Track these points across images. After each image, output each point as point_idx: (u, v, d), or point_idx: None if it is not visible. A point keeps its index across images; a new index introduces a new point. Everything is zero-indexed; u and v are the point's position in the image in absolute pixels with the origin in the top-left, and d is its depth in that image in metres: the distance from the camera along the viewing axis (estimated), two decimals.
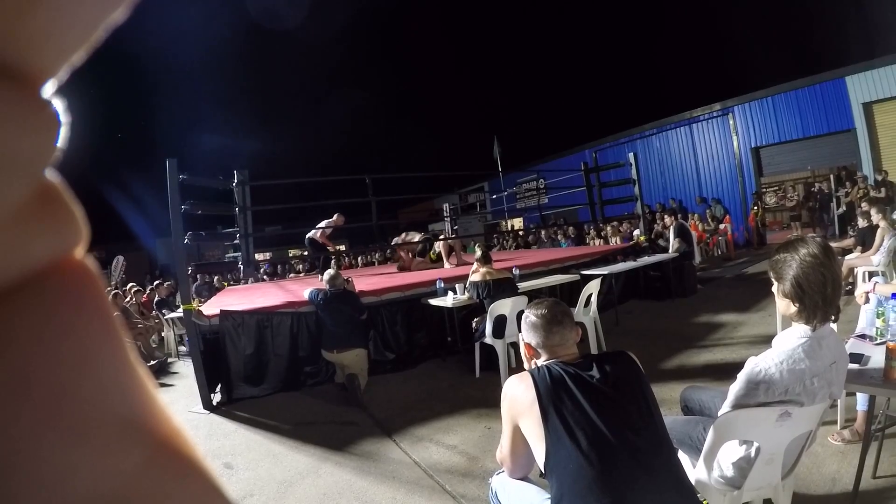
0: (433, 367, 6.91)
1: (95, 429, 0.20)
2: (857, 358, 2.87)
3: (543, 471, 1.86)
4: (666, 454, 1.86)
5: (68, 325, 0.21)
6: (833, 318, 2.15)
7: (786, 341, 2.15)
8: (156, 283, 13.02)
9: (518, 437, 1.99)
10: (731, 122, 18.48)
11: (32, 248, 0.20)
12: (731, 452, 2.24)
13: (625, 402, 1.88)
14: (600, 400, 1.85)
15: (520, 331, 5.67)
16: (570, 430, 1.79)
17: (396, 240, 10.92)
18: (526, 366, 2.22)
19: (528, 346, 2.19)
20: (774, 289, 2.23)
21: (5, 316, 0.19)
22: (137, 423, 0.22)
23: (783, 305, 2.20)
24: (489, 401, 5.15)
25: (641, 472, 1.75)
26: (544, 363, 2.05)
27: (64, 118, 0.20)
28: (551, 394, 1.87)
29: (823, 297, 2.08)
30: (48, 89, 0.20)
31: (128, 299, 11.52)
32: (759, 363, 2.10)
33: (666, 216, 12.53)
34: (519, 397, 1.94)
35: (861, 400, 3.48)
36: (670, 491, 1.79)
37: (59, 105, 0.20)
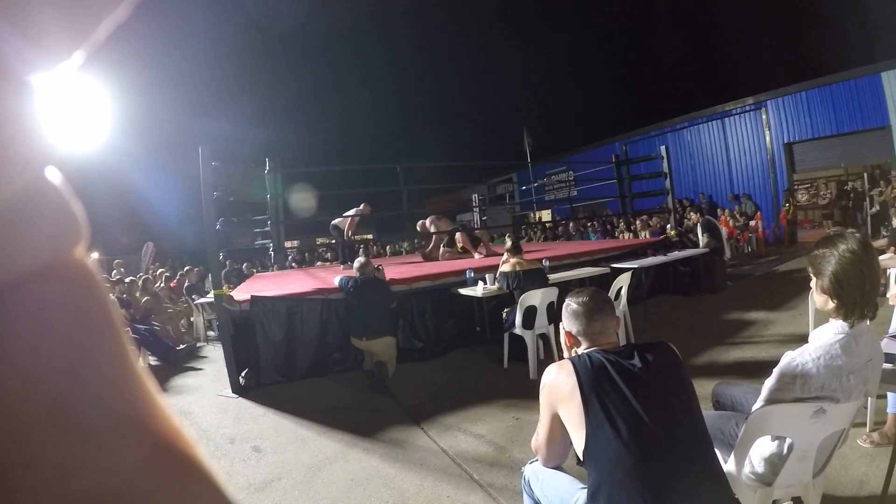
0: (461, 357, 6.92)
1: (95, 428, 0.21)
2: (890, 358, 2.84)
3: (581, 458, 1.84)
4: (704, 446, 1.86)
5: (68, 325, 0.21)
6: (870, 315, 2.13)
7: (823, 337, 2.13)
8: (186, 268, 13.10)
9: (556, 426, 1.97)
10: (763, 116, 18.16)
11: (32, 247, 0.21)
12: (763, 448, 2.22)
13: (666, 392, 1.87)
14: (641, 389, 1.83)
15: (550, 322, 5.63)
16: (611, 418, 1.77)
17: (426, 224, 10.82)
18: (566, 355, 2.18)
19: (568, 334, 2.15)
20: (813, 284, 2.22)
21: (5, 315, 0.20)
22: (137, 422, 0.23)
23: (821, 301, 2.18)
24: (517, 391, 5.16)
25: (680, 462, 1.75)
26: (585, 351, 2.02)
27: (64, 117, 0.21)
28: (592, 381, 1.85)
29: (862, 293, 2.06)
30: (48, 86, 0.20)
31: (158, 284, 11.62)
32: (796, 358, 2.09)
33: (692, 213, 12.38)
34: (559, 385, 1.92)
35: (892, 402, 3.44)
36: (707, 482, 1.78)
37: (59, 104, 0.21)
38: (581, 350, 2.08)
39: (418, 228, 10.90)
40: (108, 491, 0.21)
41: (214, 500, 0.25)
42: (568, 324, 2.13)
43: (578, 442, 1.85)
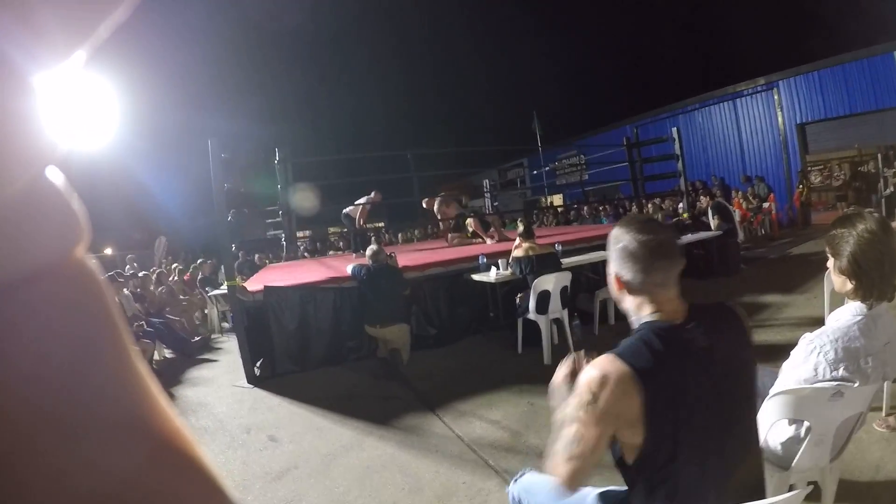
0: (475, 343, 6.95)
1: (96, 428, 0.21)
2: None
3: (628, 465, 1.54)
4: (751, 456, 1.69)
5: (68, 324, 0.21)
6: (889, 297, 2.11)
7: (841, 319, 2.12)
8: (199, 261, 13.20)
9: (605, 440, 1.48)
10: (775, 97, 17.97)
11: (33, 247, 0.20)
12: (780, 432, 2.21)
13: (732, 386, 1.58)
14: (711, 386, 1.52)
15: (563, 307, 5.55)
16: (677, 429, 1.47)
17: (434, 206, 10.79)
18: (619, 299, 1.72)
19: (618, 279, 1.64)
20: (830, 264, 2.20)
21: (6, 315, 0.20)
22: (138, 422, 0.22)
23: (839, 282, 2.16)
24: (532, 377, 5.15)
25: (724, 477, 1.57)
26: (642, 326, 1.59)
27: (69, 116, 0.20)
28: (658, 386, 1.45)
29: (881, 274, 2.04)
30: (49, 85, 0.20)
31: (172, 277, 11.70)
32: (814, 340, 2.07)
33: (702, 196, 12.32)
34: (616, 397, 1.43)
35: None
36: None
37: (62, 103, 0.20)
38: (632, 304, 1.65)
39: (424, 205, 10.87)
40: (109, 490, 0.20)
41: (214, 499, 0.25)
42: (620, 267, 1.63)
43: (630, 449, 1.51)
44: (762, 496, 1.74)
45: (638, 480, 1.53)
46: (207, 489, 0.25)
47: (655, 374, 1.44)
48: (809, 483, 2.29)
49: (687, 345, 1.53)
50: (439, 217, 10.80)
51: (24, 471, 0.19)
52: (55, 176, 0.21)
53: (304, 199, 11.18)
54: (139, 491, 0.21)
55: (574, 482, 1.48)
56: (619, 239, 1.62)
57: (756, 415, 1.69)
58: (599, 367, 1.47)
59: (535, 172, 26.33)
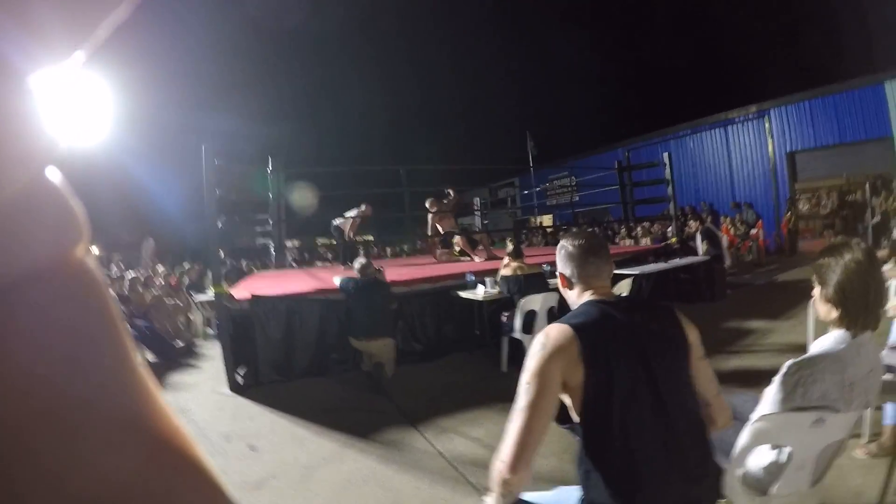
0: (460, 360, 6.93)
1: (95, 427, 0.21)
2: (889, 369, 2.84)
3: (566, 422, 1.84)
4: (695, 416, 1.88)
5: (68, 323, 0.21)
6: (873, 326, 2.12)
7: (824, 346, 2.13)
8: (187, 266, 13.15)
9: (551, 404, 1.76)
10: (766, 124, 18.17)
11: (33, 246, 0.20)
12: (761, 457, 2.22)
13: (658, 352, 1.83)
14: (634, 344, 1.80)
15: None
16: (611, 384, 1.73)
17: (430, 215, 10.77)
18: (567, 298, 2.13)
19: (562, 276, 2.09)
20: (816, 293, 2.21)
21: (5, 314, 0.20)
22: (138, 422, 0.22)
23: (824, 311, 2.17)
24: (515, 396, 5.15)
25: (670, 438, 1.75)
26: (580, 301, 1.97)
27: (67, 115, 0.20)
28: (595, 343, 1.75)
29: (866, 304, 2.06)
30: (48, 86, 0.20)
31: (158, 281, 11.66)
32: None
33: (691, 221, 12.36)
34: (565, 346, 1.74)
35: (890, 414, 3.45)
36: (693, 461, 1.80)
37: (61, 102, 0.20)
38: (574, 295, 2.05)
39: (427, 204, 10.80)
40: (109, 488, 0.20)
41: (213, 499, 0.25)
42: (562, 266, 2.07)
43: (576, 396, 1.78)
44: None
45: (587, 436, 1.78)
46: (206, 489, 0.25)
47: (587, 328, 1.78)
48: None
49: (613, 310, 1.86)
50: (429, 223, 10.73)
51: (25, 468, 0.19)
52: (54, 175, 0.21)
53: (300, 196, 11.19)
54: (138, 491, 0.21)
55: (515, 459, 1.70)
56: (562, 247, 2.09)
57: (693, 392, 1.91)
58: (545, 330, 1.83)
59: (525, 192, 26.40)
